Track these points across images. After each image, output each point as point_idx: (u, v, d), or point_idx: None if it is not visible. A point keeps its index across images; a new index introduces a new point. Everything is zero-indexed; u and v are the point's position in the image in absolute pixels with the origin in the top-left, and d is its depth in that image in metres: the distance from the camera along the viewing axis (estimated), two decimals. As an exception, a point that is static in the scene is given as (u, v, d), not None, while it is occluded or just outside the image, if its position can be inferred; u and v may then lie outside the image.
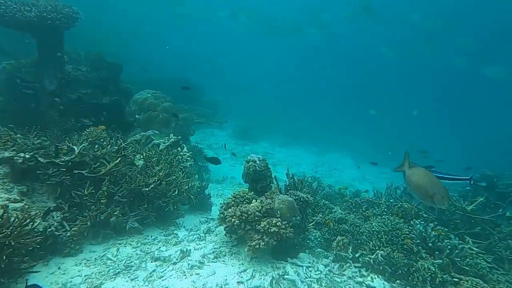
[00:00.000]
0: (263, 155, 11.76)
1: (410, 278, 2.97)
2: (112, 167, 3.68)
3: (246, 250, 3.20)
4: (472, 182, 4.24)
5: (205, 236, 3.92)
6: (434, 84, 28.92)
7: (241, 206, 3.46)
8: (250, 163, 4.00)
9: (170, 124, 6.73)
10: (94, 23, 15.01)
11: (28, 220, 2.56)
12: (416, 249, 3.15)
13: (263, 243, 3.09)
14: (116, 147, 3.92)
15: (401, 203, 4.11)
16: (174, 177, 4.17)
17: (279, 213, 3.32)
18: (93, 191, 3.49)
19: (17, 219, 2.48)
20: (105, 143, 3.88)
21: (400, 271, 3.00)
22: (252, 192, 3.86)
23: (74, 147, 3.57)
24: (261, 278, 2.99)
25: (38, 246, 2.65)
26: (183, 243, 3.69)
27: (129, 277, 2.91)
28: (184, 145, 5.18)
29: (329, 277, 3.11)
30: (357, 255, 3.35)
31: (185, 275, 3.00)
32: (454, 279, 3.01)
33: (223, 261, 3.30)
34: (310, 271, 3.18)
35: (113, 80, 6.70)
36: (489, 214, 4.44)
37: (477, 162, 6.82)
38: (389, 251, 3.07)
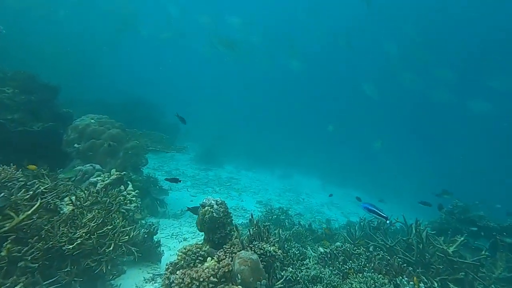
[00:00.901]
0: (228, 180, 11.06)
1: None
2: (22, 220, 2.80)
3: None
4: (388, 222, 4.44)
5: (148, 305, 3.11)
6: (410, 114, 29.49)
7: (191, 269, 2.73)
8: (206, 208, 3.30)
9: (118, 154, 5.85)
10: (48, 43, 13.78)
11: None
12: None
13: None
14: (31, 192, 3.05)
15: (382, 254, 3.60)
16: (111, 226, 3.34)
17: (239, 277, 2.63)
18: (-11, 257, 2.58)
19: None
20: (17, 187, 3.00)
21: None
22: (208, 246, 3.15)
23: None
24: None
25: None
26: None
27: None
28: (129, 182, 4.35)
29: None
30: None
31: None
32: None
33: None
34: None
35: (48, 103, 5.74)
36: (472, 253, 4.09)
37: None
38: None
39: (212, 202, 3.36)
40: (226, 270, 2.67)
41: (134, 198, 4.14)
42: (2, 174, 3.10)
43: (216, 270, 2.66)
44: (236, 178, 11.58)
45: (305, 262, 3.48)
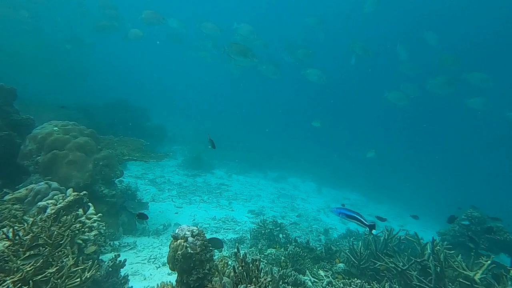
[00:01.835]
0: (218, 187, 10.31)
1: None
2: None
3: None
4: (371, 231, 3.59)
5: None
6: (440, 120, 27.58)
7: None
8: (179, 241, 2.59)
9: (86, 166, 5.08)
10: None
11: None
12: None
13: None
14: None
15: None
16: (57, 267, 2.61)
17: None
18: None
19: None
20: None
21: None
22: (180, 293, 2.44)
23: None
24: None
25: None
26: None
27: None
28: (90, 204, 3.60)
29: None
30: None
31: None
32: None
33: None
34: None
35: (3, 109, 4.94)
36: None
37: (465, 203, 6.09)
38: None
39: (187, 233, 2.65)
40: (201, 336, 1.96)
41: (95, 224, 3.39)
42: None
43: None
44: (227, 184, 10.85)
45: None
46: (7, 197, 3.63)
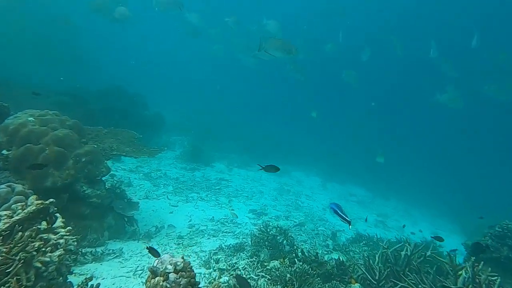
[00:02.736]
0: (218, 182, 9.65)
1: None
2: None
3: None
4: (350, 227, 4.19)
5: None
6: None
7: None
8: (157, 279, 1.96)
9: (65, 163, 4.44)
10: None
11: None
12: None
13: None
14: None
15: None
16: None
17: None
18: None
19: None
20: None
21: None
22: None
23: None
24: None
25: None
26: None
27: None
28: (57, 215, 2.96)
29: None
30: None
31: None
32: None
33: None
34: None
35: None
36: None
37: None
38: None
39: (168, 267, 2.01)
40: None
41: (62, 241, 2.76)
42: None
43: None
44: (227, 179, 10.23)
45: None
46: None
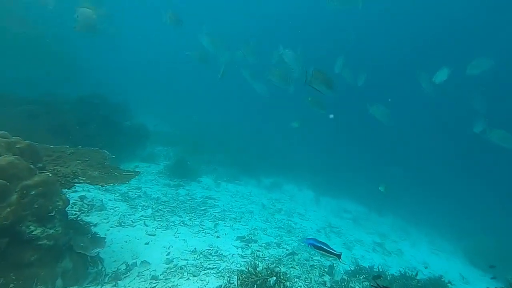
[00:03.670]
0: (203, 202, 8.64)
1: None
2: None
3: None
4: (340, 259, 4.38)
5: None
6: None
7: None
8: None
9: (6, 199, 3.60)
10: None
11: None
12: None
13: None
14: None
15: None
16: None
17: None
18: None
19: None
20: None
21: None
22: None
23: None
24: None
25: None
26: None
27: None
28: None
29: None
30: None
31: None
32: None
33: None
34: None
35: None
36: None
37: None
38: None
39: None
40: None
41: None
42: None
43: None
44: (214, 197, 9.40)
45: None
46: None
